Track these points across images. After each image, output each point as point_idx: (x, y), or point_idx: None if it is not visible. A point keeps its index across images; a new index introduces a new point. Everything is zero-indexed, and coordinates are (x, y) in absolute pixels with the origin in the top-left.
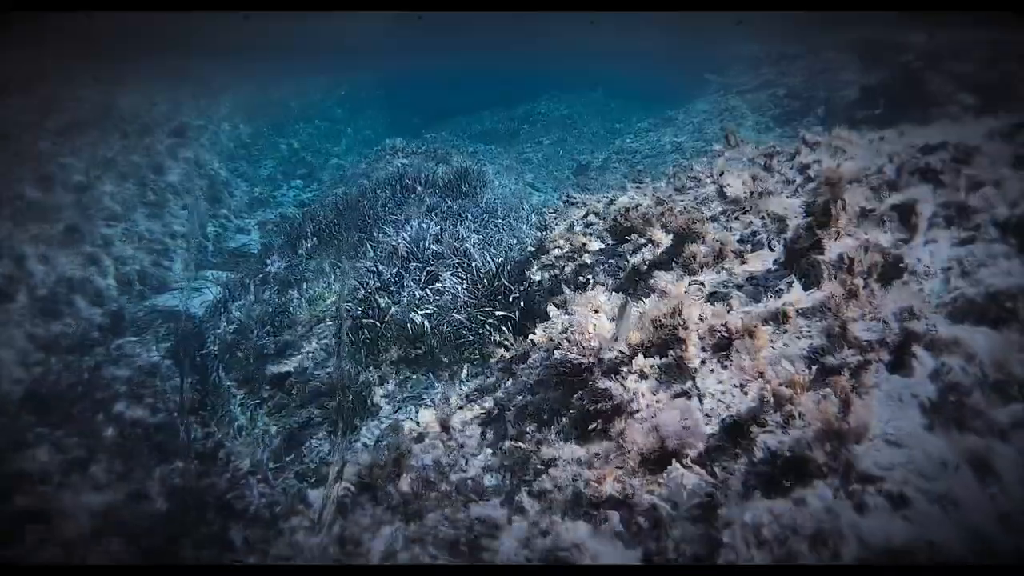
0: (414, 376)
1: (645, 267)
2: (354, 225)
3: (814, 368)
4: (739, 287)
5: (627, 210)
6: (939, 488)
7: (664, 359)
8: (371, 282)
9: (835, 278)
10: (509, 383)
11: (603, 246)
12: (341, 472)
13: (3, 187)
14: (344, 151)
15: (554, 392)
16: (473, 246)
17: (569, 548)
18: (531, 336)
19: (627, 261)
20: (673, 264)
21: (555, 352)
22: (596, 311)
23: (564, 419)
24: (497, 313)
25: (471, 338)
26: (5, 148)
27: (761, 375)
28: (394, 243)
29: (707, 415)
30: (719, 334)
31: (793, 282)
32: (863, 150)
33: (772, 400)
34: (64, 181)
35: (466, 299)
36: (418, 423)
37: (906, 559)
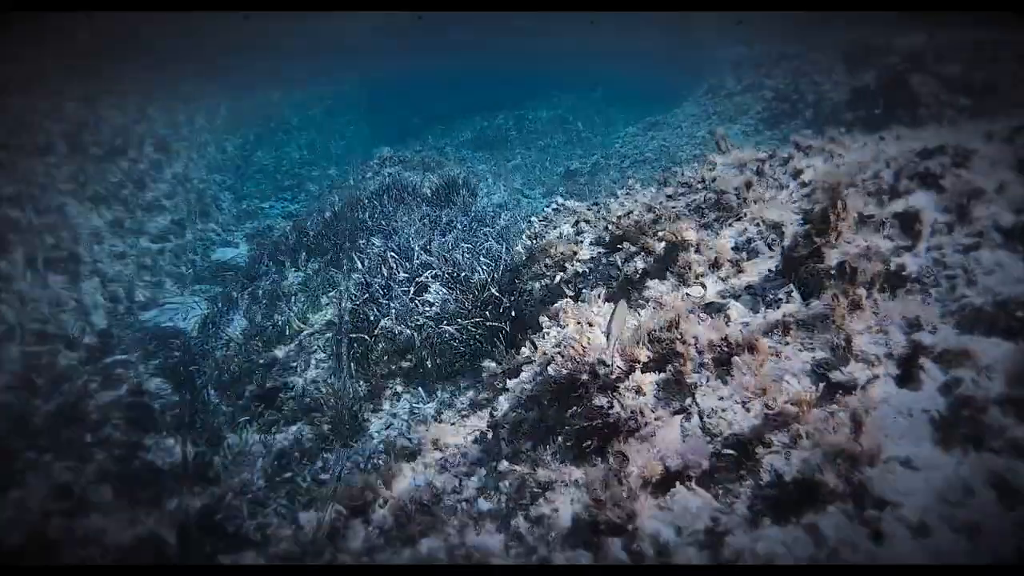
0: (405, 390)
1: (638, 276)
2: (342, 237)
3: (821, 385)
4: (736, 297)
5: (618, 218)
6: (961, 514)
7: (662, 374)
8: (360, 294)
9: (837, 288)
10: (502, 398)
11: (594, 254)
12: (334, 494)
13: None
14: (332, 161)
15: (549, 409)
16: (462, 256)
17: None
18: (523, 349)
19: (619, 270)
20: (667, 273)
21: (549, 367)
22: (590, 324)
23: (560, 438)
24: (488, 324)
25: (462, 350)
26: None
27: (764, 392)
28: (382, 254)
29: (709, 433)
30: (718, 348)
31: (792, 291)
32: (857, 154)
33: (777, 419)
34: (42, 199)
35: (456, 310)
36: (410, 440)
37: None
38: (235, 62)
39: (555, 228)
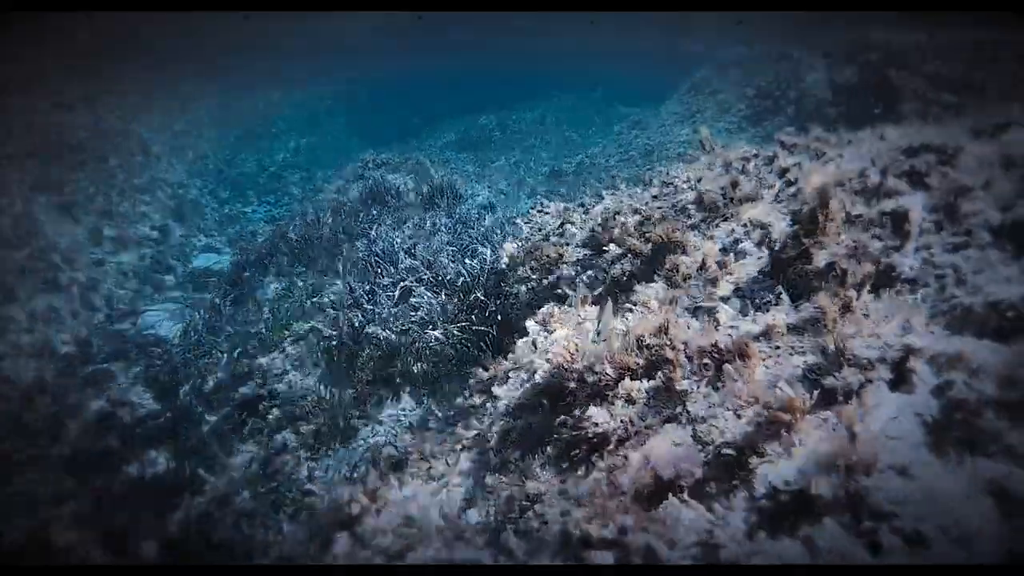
0: (391, 396)
1: (625, 278)
2: (325, 241)
3: (815, 392)
4: (725, 299)
5: (604, 219)
6: (958, 524)
7: (652, 381)
8: (344, 300)
9: (827, 290)
10: (489, 406)
11: (580, 257)
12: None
13: None
14: (317, 163)
15: (537, 417)
16: (447, 259)
17: None
18: (510, 355)
19: (606, 272)
20: (655, 276)
21: (536, 374)
22: (577, 329)
23: (549, 448)
24: (474, 328)
25: (449, 354)
26: None
27: (757, 400)
28: (366, 259)
29: (700, 442)
30: (709, 354)
31: (781, 294)
32: (843, 152)
33: (770, 427)
34: (15, 206)
35: (441, 314)
36: (396, 447)
37: None
38: (234, 62)
39: (540, 230)
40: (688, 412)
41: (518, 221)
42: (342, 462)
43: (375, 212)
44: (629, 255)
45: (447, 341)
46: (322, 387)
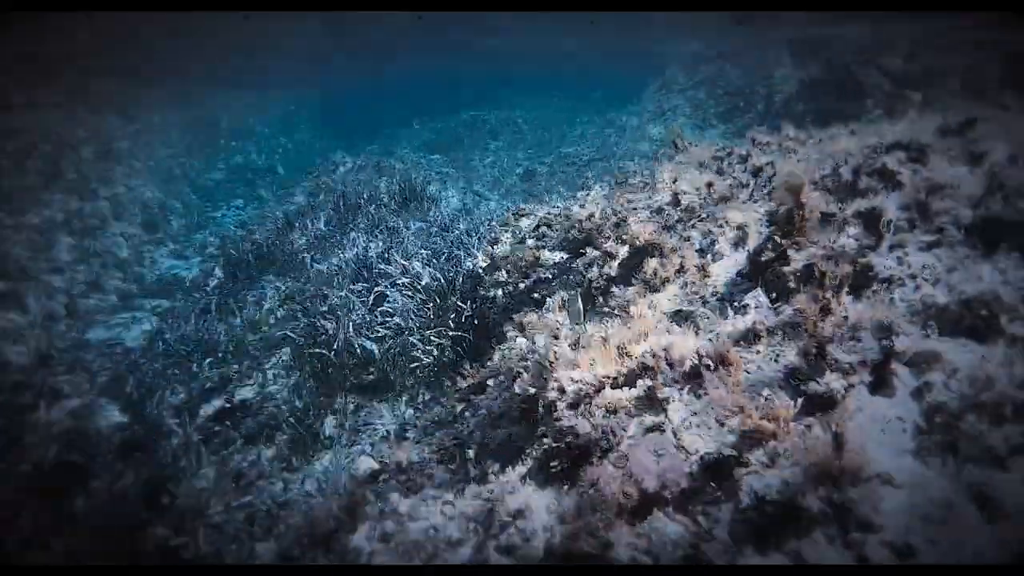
0: (367, 405)
1: (603, 282)
2: (297, 246)
3: (798, 400)
4: (704, 302)
5: (579, 221)
6: (945, 533)
7: (633, 390)
8: (317, 306)
9: (805, 292)
10: (468, 415)
11: (557, 260)
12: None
13: None
14: (285, 168)
15: (517, 427)
16: (421, 263)
17: None
18: (489, 362)
19: (583, 276)
20: (632, 279)
21: (515, 383)
22: (555, 336)
23: (530, 460)
24: (451, 334)
25: (426, 360)
26: None
27: (741, 408)
28: (339, 264)
29: (684, 451)
30: (689, 361)
31: (759, 296)
32: (814, 150)
33: (754, 436)
34: None
35: (417, 320)
36: (373, 459)
37: None
38: (205, 65)
39: (516, 233)
40: (671, 421)
41: (494, 223)
42: (318, 474)
43: (347, 216)
44: (606, 257)
45: (423, 347)
46: (296, 396)
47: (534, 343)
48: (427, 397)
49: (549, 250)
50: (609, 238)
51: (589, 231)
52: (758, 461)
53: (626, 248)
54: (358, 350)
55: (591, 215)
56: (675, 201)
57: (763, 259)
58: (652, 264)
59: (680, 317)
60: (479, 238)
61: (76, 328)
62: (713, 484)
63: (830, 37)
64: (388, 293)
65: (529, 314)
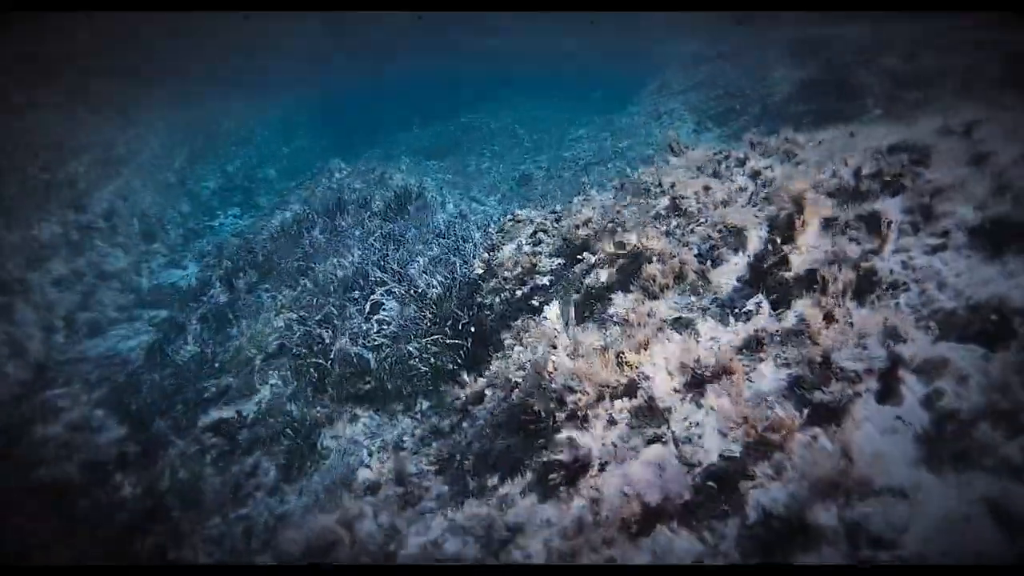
0: (364, 414)
1: (601, 288)
2: (293, 254)
3: (804, 411)
4: (704, 310)
5: (576, 227)
6: (961, 547)
7: (633, 400)
8: (313, 315)
9: (809, 298)
10: (466, 425)
11: (554, 266)
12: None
13: None
14: (282, 174)
15: (515, 438)
16: (418, 270)
17: None
18: (487, 371)
19: (581, 282)
20: (631, 285)
21: (513, 393)
22: (554, 346)
23: (529, 472)
24: (448, 342)
25: (423, 369)
26: None
27: (745, 419)
28: (335, 272)
29: (687, 463)
30: (691, 371)
31: (762, 302)
32: (813, 153)
33: (759, 448)
34: None
35: (414, 328)
36: (371, 468)
37: None
38: (206, 68)
39: (513, 239)
40: (672, 432)
41: (490, 229)
42: (315, 485)
43: (344, 223)
44: (604, 264)
45: (420, 356)
46: (293, 406)
47: (532, 352)
48: (425, 406)
49: (546, 256)
50: (606, 244)
51: (586, 237)
52: (764, 474)
53: (624, 253)
54: (355, 359)
55: (588, 220)
56: (673, 206)
57: (764, 264)
58: (651, 270)
59: (680, 324)
60: (475, 244)
61: (73, 340)
62: (717, 497)
63: (828, 37)
64: (384, 301)
65: (527, 321)
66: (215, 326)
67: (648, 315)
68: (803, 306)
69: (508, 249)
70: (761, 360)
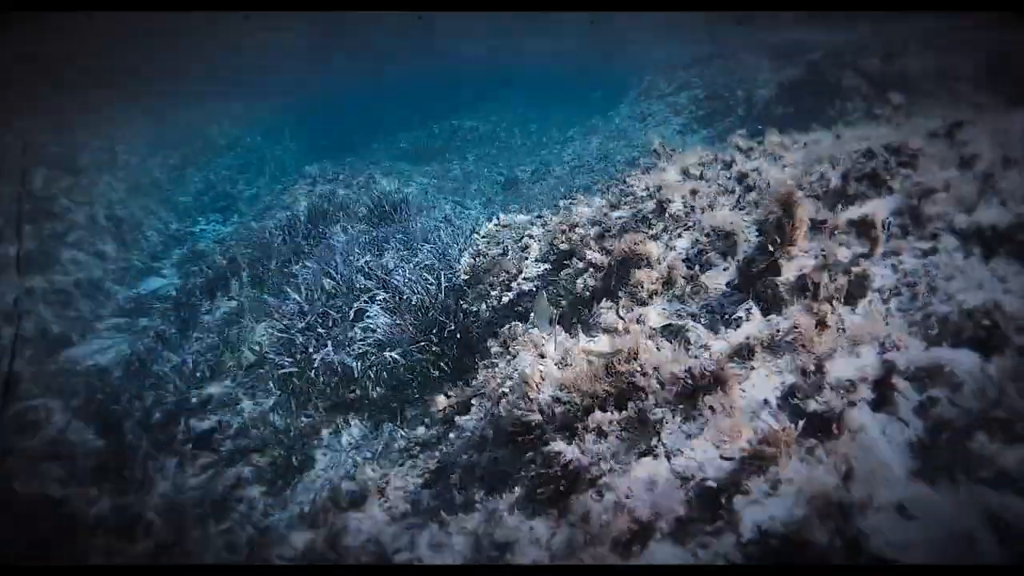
0: (349, 424)
1: (588, 294)
2: (275, 261)
3: (799, 422)
4: (694, 316)
5: (563, 232)
6: (962, 563)
7: (624, 412)
8: (296, 323)
9: (800, 304)
10: (452, 436)
11: (540, 272)
12: None
13: None
14: (264, 180)
15: (502, 450)
16: (402, 277)
17: None
18: (473, 380)
19: (567, 288)
20: (619, 292)
21: (500, 404)
22: (541, 355)
23: (517, 487)
24: (433, 349)
25: (408, 377)
26: None
27: (740, 433)
28: (318, 279)
29: (680, 478)
30: (682, 381)
31: (752, 308)
32: (799, 155)
33: (754, 461)
34: None
35: (399, 335)
36: (354, 480)
37: None
38: (157, 86)
39: (498, 244)
40: (664, 445)
41: (475, 235)
42: (300, 497)
43: (326, 230)
44: (591, 269)
45: (405, 363)
46: (276, 416)
47: (519, 361)
48: (410, 416)
49: (532, 262)
50: (593, 249)
51: (573, 241)
52: (759, 490)
53: (611, 259)
54: (339, 368)
55: (575, 225)
56: (659, 209)
57: (754, 270)
58: (639, 275)
59: (670, 332)
60: (460, 250)
61: (50, 349)
62: (711, 513)
63: (813, 39)
64: (368, 308)
65: (513, 329)
66: (196, 335)
67: (637, 322)
68: (794, 312)
69: (494, 254)
70: (753, 368)
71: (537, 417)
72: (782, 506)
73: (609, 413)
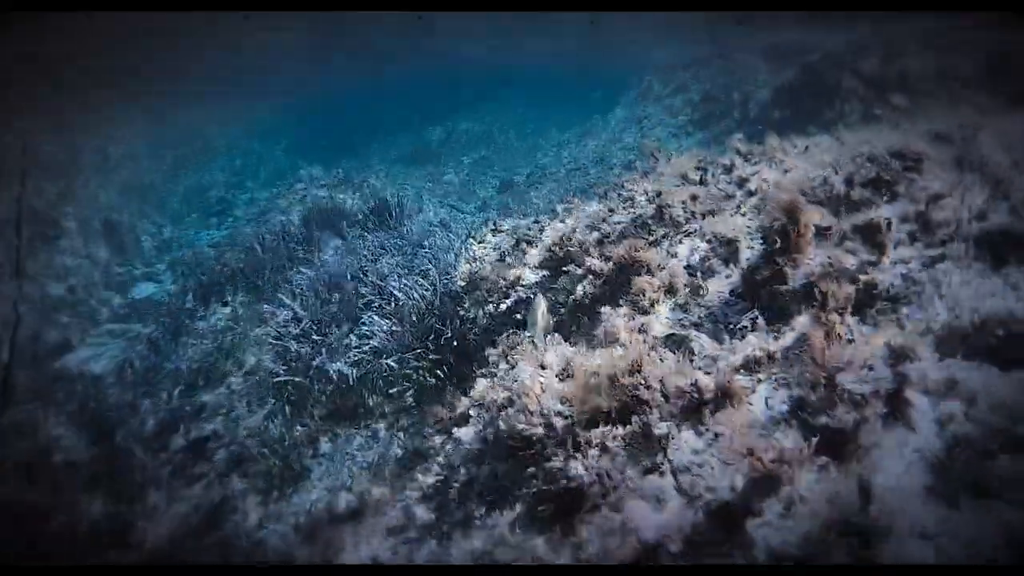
0: (345, 433)
1: (587, 301)
2: (270, 267)
3: (813, 440)
4: (697, 325)
5: (561, 237)
6: None
7: (628, 427)
8: (291, 330)
9: (807, 314)
10: (450, 448)
11: (538, 278)
12: None
13: None
14: (259, 184)
15: (502, 464)
16: (397, 282)
17: None
18: (472, 390)
19: (566, 295)
20: (620, 299)
21: (499, 417)
22: (543, 366)
23: (518, 504)
24: (431, 357)
25: (405, 385)
26: None
27: (750, 451)
28: (314, 285)
29: (686, 496)
30: (688, 394)
31: (757, 318)
32: (801, 160)
33: (766, 482)
34: None
35: (395, 342)
36: (352, 492)
37: None
38: (152, 88)
39: (496, 249)
40: (670, 461)
41: (472, 240)
42: (295, 509)
43: (321, 235)
44: (590, 276)
45: (401, 371)
46: (271, 425)
47: (518, 371)
48: (407, 424)
49: (530, 268)
50: (591, 255)
51: (571, 247)
52: (772, 511)
53: (611, 265)
54: (335, 375)
55: (573, 230)
56: (659, 215)
57: (758, 277)
58: (640, 283)
59: (673, 342)
60: (456, 255)
61: (42, 356)
62: (721, 533)
63: (812, 40)
64: (363, 315)
65: (512, 337)
66: (190, 342)
67: (639, 331)
68: (802, 323)
69: (490, 260)
70: (760, 381)
71: (538, 431)
72: (797, 528)
73: (612, 428)
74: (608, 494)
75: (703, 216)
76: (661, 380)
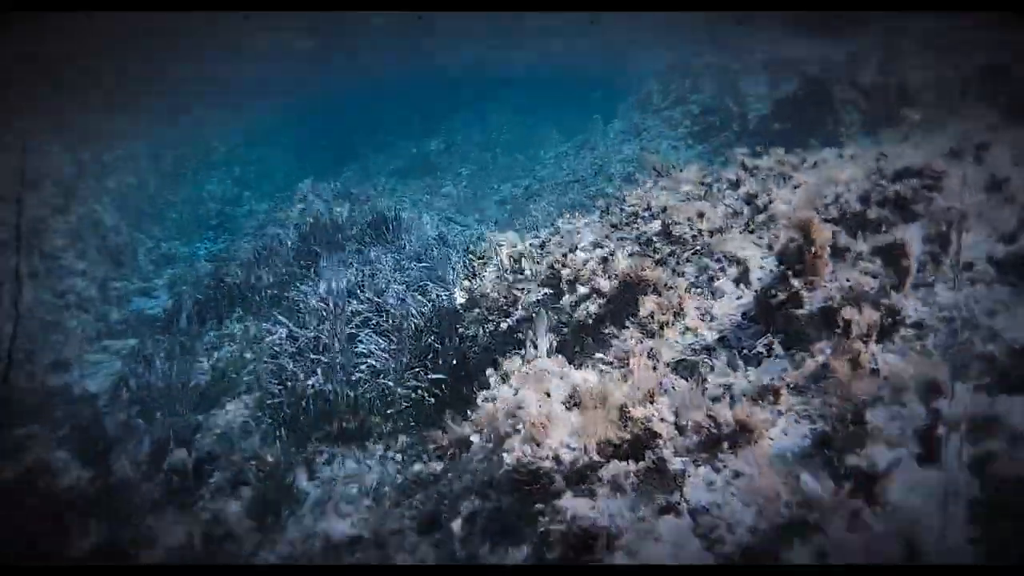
0: (341, 454)
1: (591, 321)
2: (266, 282)
3: (845, 485)
4: (710, 351)
5: (563, 254)
6: None
7: (641, 463)
8: (287, 349)
9: (828, 341)
10: (451, 476)
11: (540, 296)
12: None
13: None
14: (258, 195)
15: (507, 498)
16: (395, 299)
17: None
18: (472, 414)
19: (569, 315)
20: (626, 321)
21: (503, 447)
22: (548, 394)
23: (524, 544)
24: (430, 376)
25: (403, 405)
26: None
27: (778, 495)
28: (309, 301)
29: (706, 540)
30: (704, 429)
31: (773, 344)
32: (810, 175)
33: (794, 529)
34: None
35: (393, 361)
36: (348, 520)
37: None
38: (148, 98)
39: (495, 266)
40: (687, 501)
41: (470, 255)
42: (290, 535)
43: (318, 250)
44: (594, 295)
45: (400, 391)
46: (267, 447)
47: (521, 398)
48: (406, 446)
49: (531, 286)
50: (596, 273)
51: (573, 265)
52: (800, 560)
53: (615, 284)
54: (330, 395)
55: (574, 247)
56: (665, 232)
57: (773, 300)
58: (648, 305)
59: (685, 368)
60: (456, 271)
61: (36, 374)
62: None
63: (812, 51)
64: (360, 333)
65: (514, 358)
66: (185, 359)
67: (649, 357)
68: (823, 350)
69: (490, 277)
70: (780, 413)
71: (545, 465)
72: None
73: (624, 463)
74: (622, 536)
75: (711, 234)
76: (675, 410)
